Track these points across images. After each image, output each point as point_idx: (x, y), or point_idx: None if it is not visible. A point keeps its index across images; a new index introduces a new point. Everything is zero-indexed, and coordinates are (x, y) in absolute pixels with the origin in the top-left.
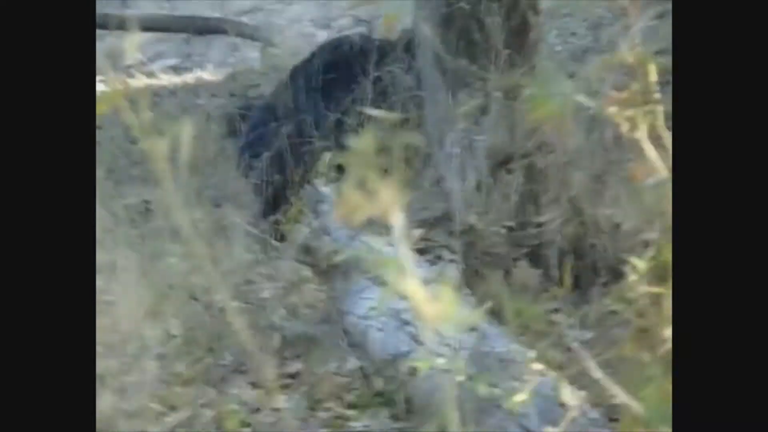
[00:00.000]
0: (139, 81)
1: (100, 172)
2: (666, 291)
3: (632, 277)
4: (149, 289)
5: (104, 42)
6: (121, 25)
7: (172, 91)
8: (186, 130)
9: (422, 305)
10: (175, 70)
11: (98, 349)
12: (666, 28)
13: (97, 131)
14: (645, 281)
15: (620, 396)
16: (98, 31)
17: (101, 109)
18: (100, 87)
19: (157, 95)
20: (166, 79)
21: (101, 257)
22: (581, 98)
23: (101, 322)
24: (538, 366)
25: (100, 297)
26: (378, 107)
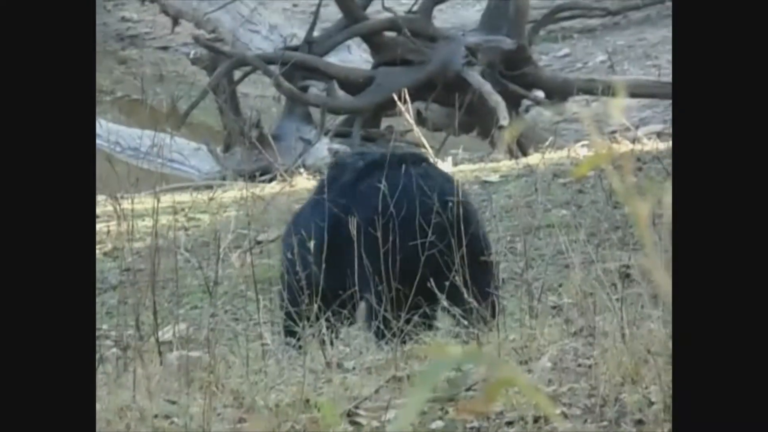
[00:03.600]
0: (624, 146)
1: (580, 235)
2: None
3: None
4: (628, 354)
5: (590, 107)
6: (608, 91)
7: (656, 157)
8: (669, 196)
9: None
10: (660, 135)
11: (576, 411)
12: None
13: (580, 195)
14: None
15: None
16: (580, 97)
17: (583, 171)
18: (583, 151)
19: (640, 160)
20: (650, 145)
21: (585, 321)
22: None
23: (581, 384)
24: None
25: (578, 360)
26: None
